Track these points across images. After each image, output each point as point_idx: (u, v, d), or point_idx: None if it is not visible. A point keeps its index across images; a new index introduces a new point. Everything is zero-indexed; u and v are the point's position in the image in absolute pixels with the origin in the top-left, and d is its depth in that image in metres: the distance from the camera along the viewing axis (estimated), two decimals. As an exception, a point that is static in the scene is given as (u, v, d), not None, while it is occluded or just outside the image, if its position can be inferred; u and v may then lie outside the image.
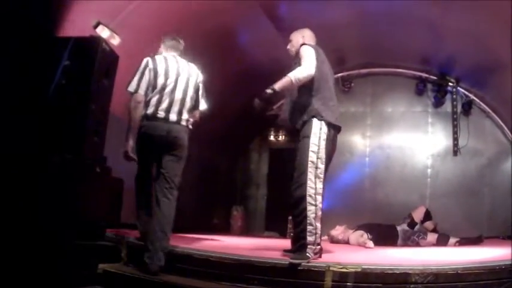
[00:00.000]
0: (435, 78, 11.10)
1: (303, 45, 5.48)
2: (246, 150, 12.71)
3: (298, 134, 5.34)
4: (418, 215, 8.91)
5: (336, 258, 5.14)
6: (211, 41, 8.16)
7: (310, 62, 5.21)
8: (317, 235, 5.02)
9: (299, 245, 4.98)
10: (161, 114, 5.45)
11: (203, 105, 6.03)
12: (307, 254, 4.84)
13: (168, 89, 5.56)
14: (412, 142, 11.38)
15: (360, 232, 8.14)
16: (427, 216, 9.05)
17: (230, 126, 9.29)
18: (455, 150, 10.91)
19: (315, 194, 5.03)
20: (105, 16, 6.66)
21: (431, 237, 8.27)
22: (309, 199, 4.99)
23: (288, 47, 5.93)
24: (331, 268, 4.48)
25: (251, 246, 6.92)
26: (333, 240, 8.55)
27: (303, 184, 5.04)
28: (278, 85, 5.02)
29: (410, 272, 4.40)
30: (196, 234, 7.64)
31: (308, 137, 5.20)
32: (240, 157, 12.64)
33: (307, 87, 5.29)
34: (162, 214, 5.23)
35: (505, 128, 10.60)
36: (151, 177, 5.57)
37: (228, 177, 11.72)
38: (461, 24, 8.52)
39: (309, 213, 4.97)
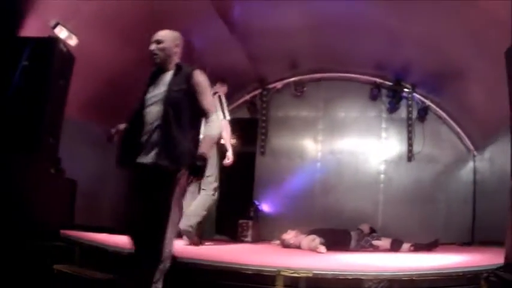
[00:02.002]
0: (390, 84, 11.03)
1: (198, 72, 4.66)
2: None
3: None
4: (364, 228, 8.93)
5: (287, 263, 5.10)
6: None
7: (215, 105, 4.76)
8: None
9: None
10: None
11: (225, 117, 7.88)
12: None
13: None
14: (364, 147, 11.29)
15: (312, 237, 8.07)
16: (372, 230, 9.13)
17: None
18: (410, 156, 10.88)
19: None
20: (63, 16, 6.59)
21: (386, 241, 8.31)
22: None
23: (155, 47, 4.72)
24: (282, 273, 4.43)
25: (201, 250, 6.92)
26: (285, 245, 8.47)
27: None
28: (206, 150, 4.38)
29: (363, 277, 4.38)
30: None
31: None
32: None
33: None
34: None
35: (463, 134, 10.68)
36: None
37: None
38: (418, 31, 8.53)
39: None
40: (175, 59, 4.74)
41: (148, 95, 4.57)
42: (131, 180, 4.48)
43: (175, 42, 4.75)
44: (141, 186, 4.34)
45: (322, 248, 7.59)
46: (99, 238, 6.04)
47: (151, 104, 4.50)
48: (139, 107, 4.52)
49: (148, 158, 4.35)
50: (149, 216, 4.20)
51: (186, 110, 4.45)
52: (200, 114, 4.55)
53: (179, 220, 4.55)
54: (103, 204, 8.75)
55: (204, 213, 7.63)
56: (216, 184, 7.78)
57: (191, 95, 4.50)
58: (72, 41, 6.68)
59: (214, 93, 7.79)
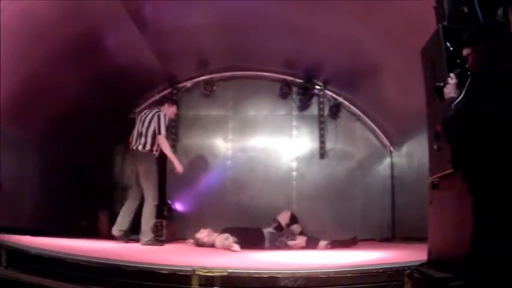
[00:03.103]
0: (301, 81, 11.03)
1: None
2: (110, 153, 12.28)
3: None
4: (283, 219, 8.90)
5: (202, 262, 5.07)
6: (76, 43, 7.81)
7: None
8: None
9: None
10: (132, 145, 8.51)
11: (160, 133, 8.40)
12: None
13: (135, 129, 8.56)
14: (276, 145, 11.27)
15: (225, 235, 8.04)
16: (293, 219, 9.12)
17: (93, 129, 8.97)
18: (322, 153, 10.92)
19: None
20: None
21: (301, 239, 8.36)
22: None
23: None
24: (196, 272, 4.42)
25: (118, 250, 6.84)
26: (198, 244, 8.39)
27: None
28: None
29: (278, 275, 4.39)
30: (64, 238, 7.44)
31: None
32: (104, 160, 12.18)
33: None
34: None
35: (378, 130, 10.82)
36: None
37: (92, 180, 11.36)
38: (330, 28, 8.53)
39: None
40: None
41: None
42: None
43: None
44: None
45: (236, 247, 7.57)
46: (23, 240, 5.92)
47: None
48: None
49: None
50: None
51: None
52: None
53: None
54: (25, 206, 8.46)
55: (153, 220, 8.58)
56: (155, 193, 8.47)
57: None
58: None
59: (157, 112, 8.61)
